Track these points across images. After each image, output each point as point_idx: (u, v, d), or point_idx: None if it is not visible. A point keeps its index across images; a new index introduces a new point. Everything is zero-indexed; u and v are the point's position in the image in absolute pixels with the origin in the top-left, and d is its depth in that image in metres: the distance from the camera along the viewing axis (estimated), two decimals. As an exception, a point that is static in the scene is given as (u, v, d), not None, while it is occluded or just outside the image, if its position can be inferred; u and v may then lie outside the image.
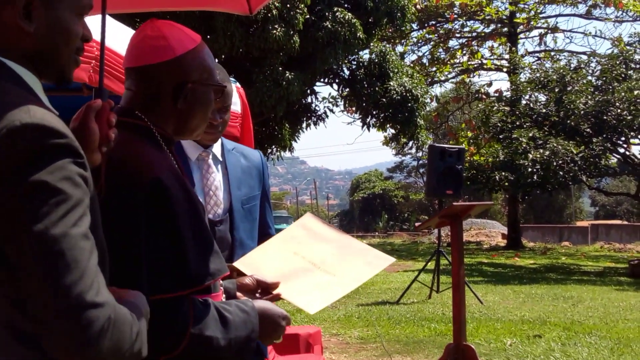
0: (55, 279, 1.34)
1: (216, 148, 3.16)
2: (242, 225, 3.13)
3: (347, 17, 19.49)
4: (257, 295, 2.41)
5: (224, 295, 2.22)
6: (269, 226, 3.37)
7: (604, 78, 20.42)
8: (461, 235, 7.67)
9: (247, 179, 3.24)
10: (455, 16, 30.54)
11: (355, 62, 23.10)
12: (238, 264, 2.54)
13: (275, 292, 2.44)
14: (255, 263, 2.54)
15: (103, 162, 1.94)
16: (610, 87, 19.70)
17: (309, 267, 2.61)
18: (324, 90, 47.77)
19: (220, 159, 3.19)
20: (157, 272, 1.94)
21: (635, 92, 18.59)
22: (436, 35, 32.18)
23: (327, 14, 19.64)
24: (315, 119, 23.77)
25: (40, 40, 1.60)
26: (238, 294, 2.35)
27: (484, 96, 30.13)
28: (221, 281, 2.22)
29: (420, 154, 43.36)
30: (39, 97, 1.58)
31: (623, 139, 20.10)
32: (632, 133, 19.31)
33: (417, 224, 13.21)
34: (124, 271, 1.89)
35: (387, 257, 2.70)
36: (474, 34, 32.45)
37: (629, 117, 18.26)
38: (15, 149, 1.38)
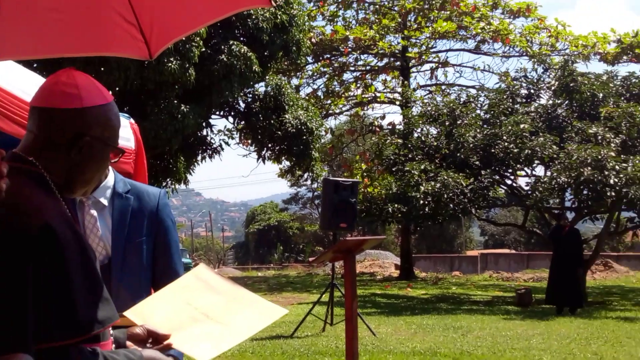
0: None
1: (101, 192, 3.10)
2: (121, 273, 3.08)
3: (242, 50, 19.56)
4: (148, 345, 2.38)
5: (113, 345, 2.19)
6: (174, 270, 3.31)
7: (492, 112, 21.02)
8: (354, 269, 7.78)
9: (135, 224, 3.17)
10: (350, 50, 30.99)
11: (251, 95, 23.17)
12: (128, 313, 2.51)
13: (166, 342, 2.40)
14: (146, 312, 2.49)
15: None
16: (498, 120, 20.28)
17: (201, 318, 2.60)
18: (220, 122, 47.68)
19: (106, 203, 3.13)
20: (44, 320, 1.90)
21: (522, 126, 19.19)
22: (331, 68, 32.56)
23: (222, 47, 19.68)
24: (210, 152, 23.67)
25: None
26: (128, 343, 2.31)
27: (378, 129, 30.60)
28: (111, 330, 2.20)
29: (315, 185, 43.69)
30: None
31: (510, 171, 20.72)
32: (518, 165, 19.91)
33: (310, 259, 13.29)
34: (9, 319, 1.85)
35: (280, 308, 2.72)
36: (368, 68, 32.99)
37: (515, 150, 18.82)
38: None
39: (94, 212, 3.07)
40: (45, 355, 1.87)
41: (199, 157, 23.50)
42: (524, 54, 29.79)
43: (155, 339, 2.39)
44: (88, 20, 3.07)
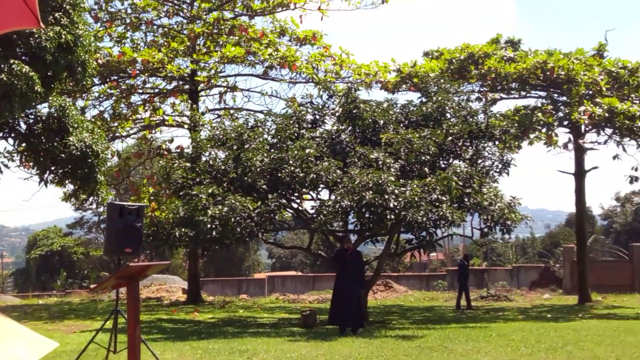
0: None
1: None
2: None
3: (24, 69, 18.71)
4: None
5: None
6: None
7: (279, 136, 21.33)
8: (137, 295, 7.63)
9: None
10: (138, 72, 30.47)
11: (32, 116, 22.18)
12: None
13: None
14: None
15: None
16: (285, 145, 20.61)
17: None
18: (-1, 144, 45.40)
19: None
20: None
21: (307, 151, 19.60)
22: (118, 90, 31.85)
23: (2, 65, 18.74)
24: (-12, 175, 22.43)
25: None
26: None
27: (166, 152, 30.27)
28: None
29: (101, 209, 42.48)
30: None
31: (296, 194, 21.12)
32: (304, 189, 20.32)
33: (92, 287, 12.88)
34: None
35: (49, 341, 2.61)
36: (156, 91, 32.57)
37: (301, 174, 19.19)
38: None
39: None
40: None
41: (-24, 181, 22.21)
42: (310, 80, 30.54)
43: None
44: None
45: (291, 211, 21.51)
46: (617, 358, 12.06)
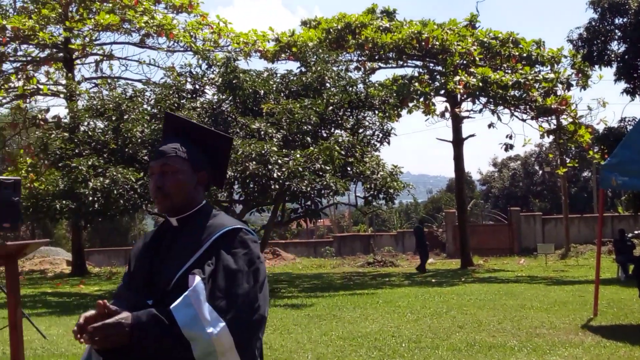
0: None
1: None
2: None
3: None
4: None
5: None
6: None
7: (159, 107, 21.12)
8: (16, 274, 7.58)
9: None
10: (8, 40, 29.46)
11: None
12: None
13: None
14: None
15: None
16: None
17: None
18: None
19: None
20: None
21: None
22: (-15, 58, 30.76)
23: None
24: None
25: None
26: None
27: (42, 122, 29.46)
28: None
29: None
30: None
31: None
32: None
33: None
34: None
35: None
36: (29, 59, 31.61)
37: (181, 145, 19.13)
38: None
39: None
40: None
41: None
42: (189, 49, 30.26)
43: None
44: None
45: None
46: (499, 321, 12.55)
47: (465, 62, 27.71)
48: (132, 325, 2.65)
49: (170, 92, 21.75)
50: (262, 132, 19.24)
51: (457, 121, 30.83)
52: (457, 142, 31.41)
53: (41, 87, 30.99)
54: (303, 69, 23.42)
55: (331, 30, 29.42)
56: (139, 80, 29.06)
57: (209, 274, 2.78)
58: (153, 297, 2.87)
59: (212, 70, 22.90)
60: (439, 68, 29.16)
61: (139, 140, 19.56)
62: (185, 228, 3.00)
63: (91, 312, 2.74)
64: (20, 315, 7.58)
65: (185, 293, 2.71)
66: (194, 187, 3.00)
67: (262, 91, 21.24)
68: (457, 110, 29.70)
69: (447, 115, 29.89)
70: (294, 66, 33.51)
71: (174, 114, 3.25)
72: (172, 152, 2.97)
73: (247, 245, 2.89)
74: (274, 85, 21.93)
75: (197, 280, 2.75)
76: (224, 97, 21.58)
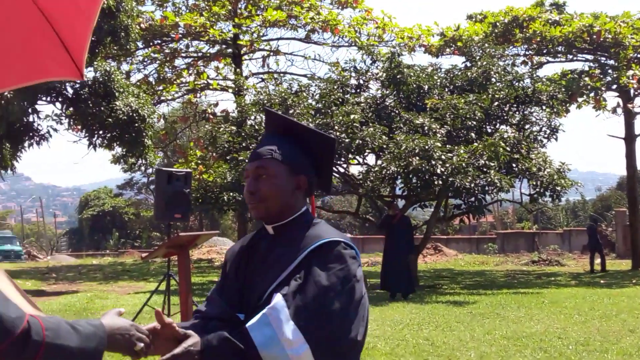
0: None
1: None
2: None
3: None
4: None
5: None
6: None
7: (323, 102, 21.36)
8: (188, 264, 7.81)
9: None
10: (181, 36, 30.62)
11: (79, 81, 22.47)
12: None
13: None
14: None
15: None
16: (329, 110, 20.65)
17: None
18: (47, 108, 45.97)
19: None
20: None
21: (352, 116, 19.59)
22: (162, 54, 32.07)
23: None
24: (38, 139, 22.82)
25: None
26: None
27: (211, 116, 30.45)
28: None
29: (149, 171, 42.97)
30: None
31: (343, 159, 21.18)
32: (350, 155, 20.37)
33: (143, 255, 13.09)
34: None
35: None
36: (200, 54, 32.74)
37: (346, 140, 19.23)
38: None
39: None
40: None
41: (26, 144, 22.61)
42: (353, 44, 30.41)
43: None
44: None
45: (338, 176, 21.57)
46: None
47: (639, 55, 26.42)
48: (202, 351, 2.47)
49: (335, 87, 21.94)
50: (426, 128, 19.07)
51: (629, 117, 29.43)
52: (630, 138, 29.99)
53: (211, 82, 32.01)
54: (468, 64, 23.08)
55: (497, 24, 28.77)
56: (304, 75, 29.50)
57: (294, 289, 2.52)
58: (245, 312, 2.69)
59: (376, 65, 22.96)
60: (611, 62, 27.93)
61: (303, 134, 19.76)
62: (281, 238, 2.75)
63: (151, 324, 2.54)
64: (190, 303, 7.81)
65: (263, 311, 2.50)
66: (291, 192, 2.72)
67: (426, 86, 21.09)
68: (629, 105, 28.36)
69: (619, 111, 28.60)
70: (458, 61, 33.09)
71: (274, 111, 2.99)
72: (268, 155, 2.71)
73: (344, 260, 2.59)
74: (438, 80, 21.74)
75: (277, 297, 2.52)
76: (387, 92, 21.57)
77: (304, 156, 2.77)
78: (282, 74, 31.30)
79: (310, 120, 20.12)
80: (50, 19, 2.91)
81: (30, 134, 22.65)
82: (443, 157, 17.77)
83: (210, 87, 32.05)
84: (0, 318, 2.03)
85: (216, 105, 32.22)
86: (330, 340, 2.46)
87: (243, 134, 21.46)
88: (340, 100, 21.37)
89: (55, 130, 23.50)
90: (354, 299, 2.54)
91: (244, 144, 21.11)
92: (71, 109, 22.79)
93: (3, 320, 2.04)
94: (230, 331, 2.52)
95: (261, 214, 2.75)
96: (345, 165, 22.01)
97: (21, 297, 2.89)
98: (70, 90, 22.82)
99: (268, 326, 2.46)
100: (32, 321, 2.09)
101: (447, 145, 18.51)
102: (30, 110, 21.64)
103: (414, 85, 20.95)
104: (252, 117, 22.38)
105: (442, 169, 17.59)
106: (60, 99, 23.08)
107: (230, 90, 31.04)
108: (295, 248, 2.64)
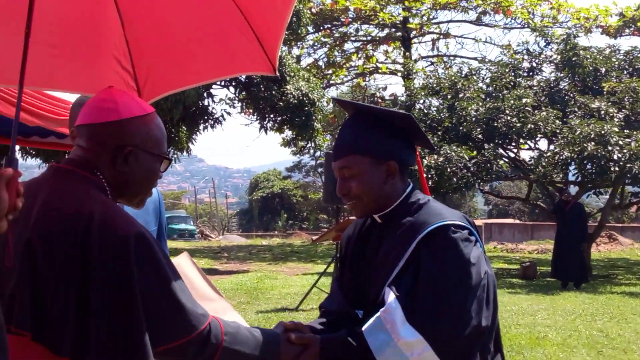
0: None
1: None
2: None
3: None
4: None
5: None
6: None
7: (494, 85, 20.97)
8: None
9: (143, 215, 3.23)
10: (350, 20, 30.87)
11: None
12: None
13: None
14: None
15: (9, 230, 1.99)
16: (500, 94, 20.24)
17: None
18: (221, 92, 47.57)
19: None
20: (157, 323, 2.03)
21: (524, 100, 19.12)
22: (332, 38, 32.45)
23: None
24: (212, 122, 23.66)
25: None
26: None
27: (380, 100, 30.54)
28: None
29: (318, 154, 43.66)
30: None
31: (513, 144, 20.71)
32: (521, 139, 19.89)
33: (314, 238, 13.30)
34: (124, 329, 1.98)
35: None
36: (369, 38, 32.89)
37: (518, 124, 18.77)
38: None
39: None
40: (164, 356, 2.04)
41: (201, 127, 23.50)
42: (526, 26, 29.68)
43: None
44: (84, 61, 3.16)
45: (508, 161, 21.12)
46: None
47: None
48: (322, 349, 2.49)
49: (506, 70, 21.48)
50: (602, 112, 18.36)
51: None
52: None
53: (380, 65, 32.13)
54: (649, 45, 21.93)
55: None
56: (474, 58, 29.10)
57: (407, 287, 2.42)
58: (362, 308, 2.62)
59: (550, 47, 22.29)
60: None
61: (473, 118, 19.50)
62: (389, 226, 2.63)
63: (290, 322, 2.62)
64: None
65: (378, 314, 2.42)
66: (383, 182, 2.59)
67: (604, 69, 20.27)
68: None
69: None
70: (638, 42, 31.50)
71: (343, 99, 2.84)
72: (348, 150, 2.60)
73: (454, 245, 2.45)
74: (617, 63, 20.81)
75: (390, 297, 2.43)
76: (562, 75, 20.91)
77: (388, 139, 2.62)
78: (451, 57, 31.04)
79: (480, 104, 19.78)
80: (247, 16, 3.01)
81: (205, 117, 23.50)
82: (620, 142, 17.00)
83: (379, 70, 32.19)
84: (187, 313, 2.11)
85: (385, 89, 32.43)
86: (451, 334, 2.36)
87: (412, 118, 21.32)
88: (512, 83, 20.90)
89: (229, 113, 24.28)
90: (471, 286, 2.41)
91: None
92: (244, 93, 23.45)
93: (189, 316, 2.12)
94: (349, 332, 2.50)
95: (360, 212, 2.69)
96: (515, 150, 21.51)
97: (204, 282, 2.99)
98: (243, 75, 23.50)
99: (383, 331, 2.40)
100: (213, 324, 2.17)
101: (625, 131, 17.70)
102: (205, 94, 22.44)
103: (590, 68, 20.18)
104: (421, 101, 22.28)
105: (619, 155, 16.83)
106: (233, 83, 23.83)
107: (399, 73, 31.05)
108: (404, 238, 2.53)
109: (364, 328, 2.43)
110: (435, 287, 2.39)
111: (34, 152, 18.47)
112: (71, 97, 4.14)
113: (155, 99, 3.31)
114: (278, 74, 3.19)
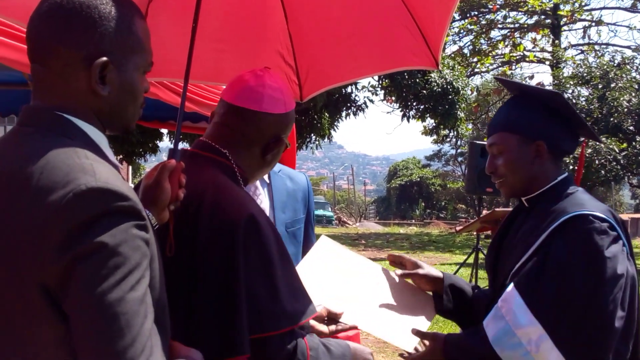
0: (108, 343, 1.36)
1: None
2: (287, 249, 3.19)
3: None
4: (325, 322, 2.53)
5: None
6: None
7: (649, 75, 20.20)
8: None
9: (292, 202, 3.28)
10: (498, 7, 30.30)
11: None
12: None
13: (349, 323, 2.57)
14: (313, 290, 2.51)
15: (171, 220, 2.02)
16: (656, 84, 19.49)
17: (353, 296, 2.70)
18: (364, 80, 47.72)
19: (267, 181, 3.23)
20: (255, 310, 2.00)
21: (681, 92, 18.34)
22: (478, 26, 31.94)
23: None
24: (354, 109, 23.74)
25: (111, 101, 1.66)
26: (312, 322, 2.42)
27: (526, 88, 29.83)
28: None
29: (459, 143, 43.15)
30: (104, 154, 1.62)
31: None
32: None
33: (457, 228, 13.16)
34: (224, 311, 1.97)
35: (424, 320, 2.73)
36: (517, 25, 32.17)
37: (673, 116, 18.04)
38: (80, 212, 1.40)
39: (258, 192, 3.17)
40: (255, 346, 1.99)
41: (343, 114, 23.62)
42: (686, 13, 28.37)
43: (331, 318, 2.55)
44: (248, 55, 3.21)
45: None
46: None
47: None
48: (443, 347, 2.51)
49: (663, 59, 20.59)
50: None
51: None
52: None
53: (527, 53, 31.38)
54: None
55: None
56: (628, 47, 27.96)
57: (531, 273, 2.35)
58: (493, 288, 2.62)
59: None
60: None
61: (625, 109, 18.80)
62: (534, 211, 2.59)
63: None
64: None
65: (497, 304, 2.39)
66: (530, 162, 2.54)
67: None
68: None
69: None
70: None
71: (501, 77, 2.78)
72: (499, 128, 2.60)
73: (588, 235, 2.30)
74: None
75: (510, 286, 2.38)
76: None
77: (540, 119, 2.56)
78: (603, 46, 29.97)
79: (633, 94, 19.07)
80: (411, 10, 2.98)
81: (348, 104, 23.58)
82: None
83: (527, 59, 31.48)
84: (284, 309, 2.05)
85: (531, 77, 31.55)
86: (573, 327, 2.25)
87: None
88: (669, 74, 20.02)
89: (372, 101, 24.29)
90: (603, 279, 2.26)
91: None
92: (387, 80, 23.40)
93: (285, 312, 2.06)
94: (475, 328, 2.49)
95: (506, 191, 2.69)
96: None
97: (359, 257, 2.96)
98: (404, 69, 23.41)
99: (501, 320, 2.36)
100: (300, 342, 2.08)
101: None
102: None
103: None
104: (570, 91, 21.66)
105: None
106: (378, 71, 23.75)
107: (547, 62, 30.27)
108: (541, 225, 2.46)
109: (485, 320, 2.43)
110: (561, 275, 2.30)
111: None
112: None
113: (315, 93, 3.36)
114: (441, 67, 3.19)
